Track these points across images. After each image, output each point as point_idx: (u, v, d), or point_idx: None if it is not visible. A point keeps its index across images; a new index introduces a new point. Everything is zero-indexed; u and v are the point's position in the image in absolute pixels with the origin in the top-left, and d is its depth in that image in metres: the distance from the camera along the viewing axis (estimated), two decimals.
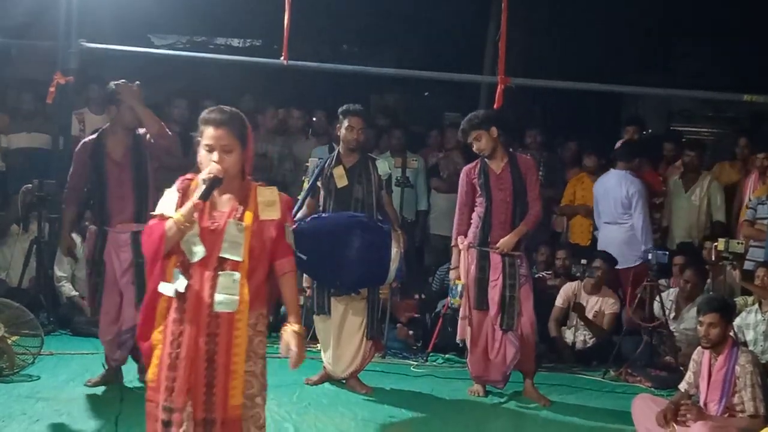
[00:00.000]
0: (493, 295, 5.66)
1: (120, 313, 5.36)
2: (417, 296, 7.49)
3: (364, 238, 5.50)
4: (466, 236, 5.79)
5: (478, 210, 5.73)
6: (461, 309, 5.80)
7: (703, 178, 7.58)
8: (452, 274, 5.91)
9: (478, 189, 5.71)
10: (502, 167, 5.69)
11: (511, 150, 5.89)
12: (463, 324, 5.79)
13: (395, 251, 5.54)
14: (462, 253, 5.77)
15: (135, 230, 5.19)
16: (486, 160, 5.71)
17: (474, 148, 5.71)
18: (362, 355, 5.71)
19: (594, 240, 7.78)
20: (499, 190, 5.66)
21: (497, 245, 5.64)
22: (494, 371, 5.73)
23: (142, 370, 5.26)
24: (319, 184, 5.74)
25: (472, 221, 5.77)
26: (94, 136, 5.45)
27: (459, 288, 5.76)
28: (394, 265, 5.54)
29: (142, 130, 5.39)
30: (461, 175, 5.86)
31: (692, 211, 7.58)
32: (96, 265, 5.42)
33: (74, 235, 7.01)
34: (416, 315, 7.31)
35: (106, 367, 5.47)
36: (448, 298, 6.14)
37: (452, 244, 5.91)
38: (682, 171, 7.70)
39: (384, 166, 5.94)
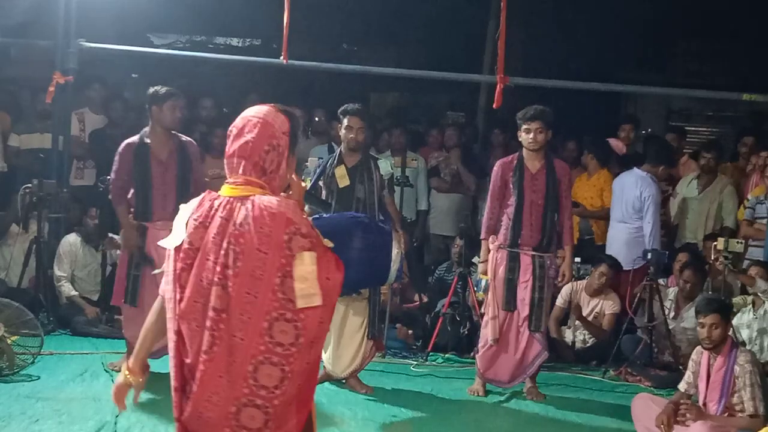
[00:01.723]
0: (524, 296, 5.63)
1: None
2: (418, 299, 7.46)
3: (365, 238, 5.47)
4: (494, 231, 5.76)
5: (509, 210, 5.67)
6: (491, 309, 5.73)
7: (717, 182, 7.48)
8: (481, 268, 5.91)
9: (511, 186, 5.66)
10: (538, 168, 5.65)
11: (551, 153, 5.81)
12: (494, 324, 5.69)
13: (396, 252, 5.53)
14: (491, 253, 5.74)
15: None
16: (524, 156, 5.67)
17: (526, 137, 5.59)
18: (362, 355, 5.71)
19: (580, 238, 7.75)
20: (533, 192, 5.62)
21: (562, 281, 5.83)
22: (504, 370, 5.72)
23: None
24: (320, 183, 5.73)
25: (502, 222, 5.73)
26: (136, 137, 5.63)
27: (483, 283, 5.74)
28: (394, 266, 5.53)
29: (185, 138, 5.70)
30: (495, 167, 5.79)
31: (702, 213, 7.49)
32: (141, 258, 5.53)
33: (75, 235, 7.05)
34: (414, 305, 7.30)
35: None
36: (448, 297, 6.15)
37: (482, 237, 5.87)
38: (698, 173, 7.62)
39: (386, 165, 5.92)
